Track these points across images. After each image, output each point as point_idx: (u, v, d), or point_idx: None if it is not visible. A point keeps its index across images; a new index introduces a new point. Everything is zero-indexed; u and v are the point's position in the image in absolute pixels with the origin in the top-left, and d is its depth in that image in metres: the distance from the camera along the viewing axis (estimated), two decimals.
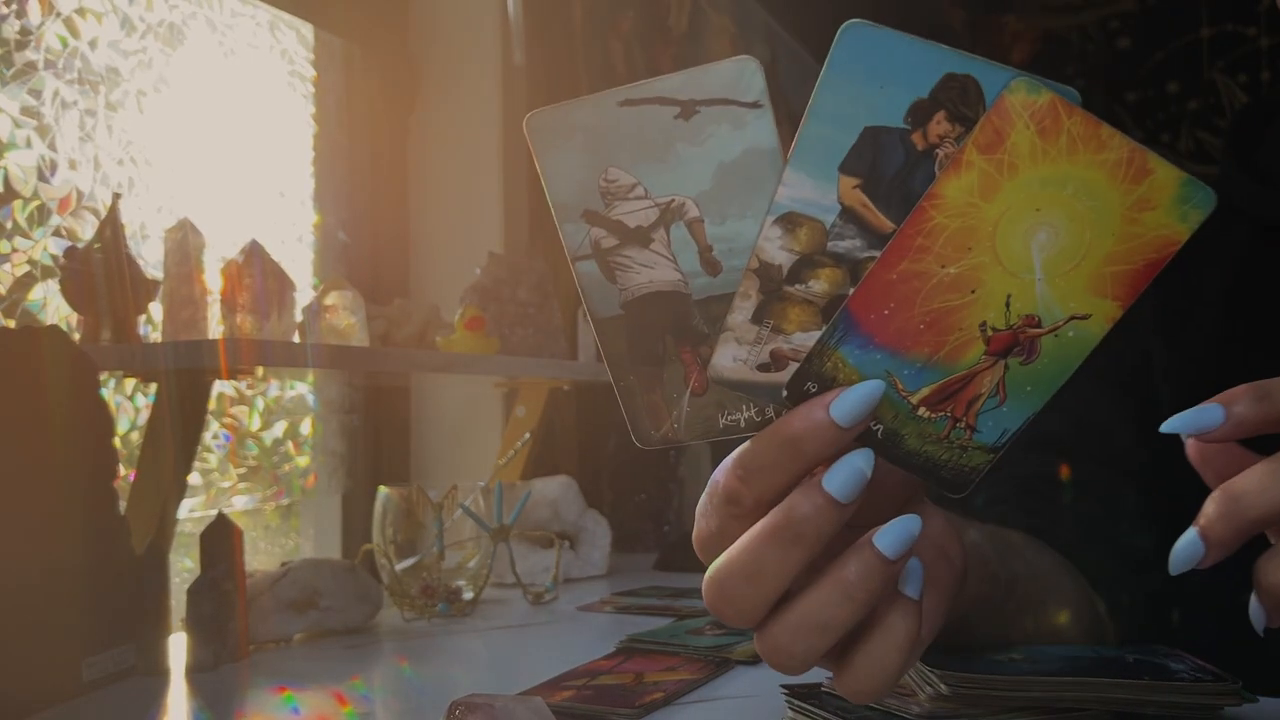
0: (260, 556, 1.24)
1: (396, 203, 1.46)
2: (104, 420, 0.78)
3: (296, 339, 0.96)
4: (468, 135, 1.45)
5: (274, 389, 1.24)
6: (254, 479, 1.20)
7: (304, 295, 1.16)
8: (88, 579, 0.74)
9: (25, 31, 0.95)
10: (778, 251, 0.36)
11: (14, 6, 0.94)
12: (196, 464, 0.95)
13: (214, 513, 0.84)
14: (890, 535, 0.36)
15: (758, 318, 0.36)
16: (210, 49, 1.17)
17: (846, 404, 0.35)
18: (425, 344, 1.15)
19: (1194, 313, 0.69)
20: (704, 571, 0.39)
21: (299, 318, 0.98)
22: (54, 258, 0.95)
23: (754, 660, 0.73)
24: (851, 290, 0.36)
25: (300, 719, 0.67)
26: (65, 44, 0.99)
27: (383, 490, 1.01)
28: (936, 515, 0.41)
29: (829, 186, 0.35)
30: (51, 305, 0.95)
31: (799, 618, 0.36)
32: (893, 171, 0.35)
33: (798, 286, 0.36)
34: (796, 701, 0.52)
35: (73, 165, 0.99)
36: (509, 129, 1.44)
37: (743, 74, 0.36)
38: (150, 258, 1.03)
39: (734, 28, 2.09)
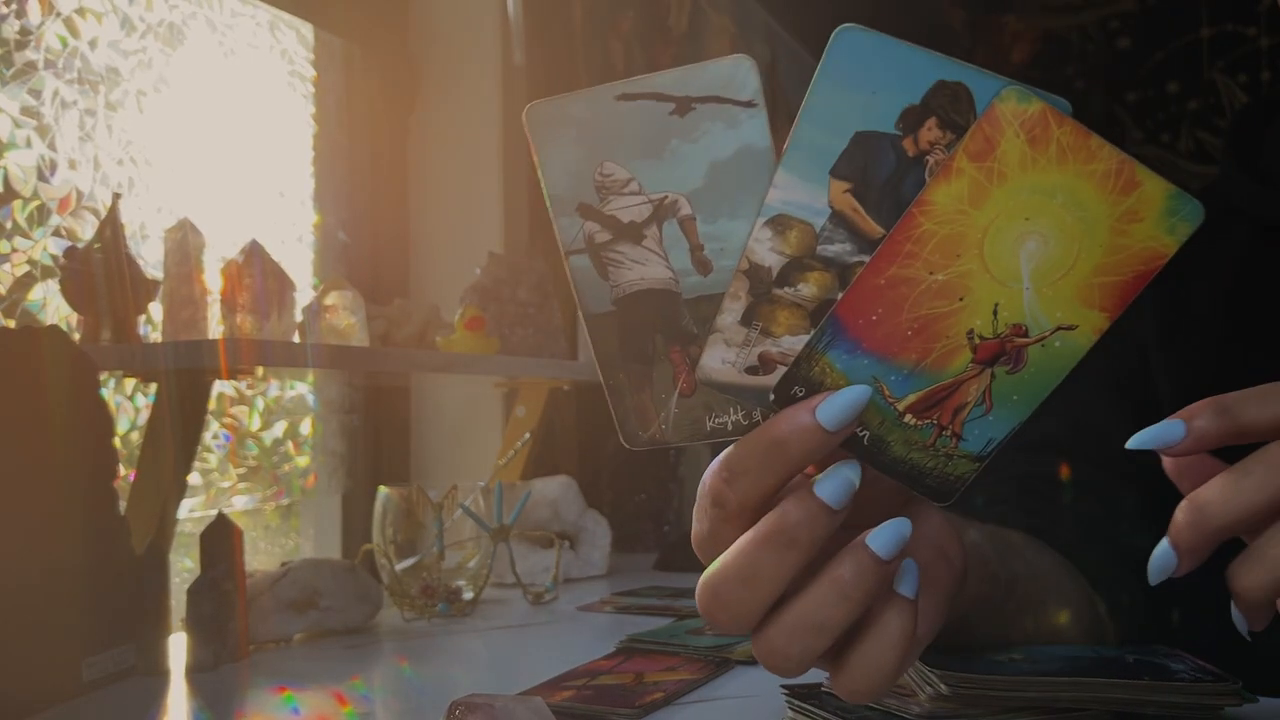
0: (260, 556, 1.24)
1: (396, 203, 1.46)
2: (104, 420, 0.78)
3: (296, 339, 0.96)
4: (468, 135, 1.45)
5: (274, 389, 1.24)
6: (254, 479, 1.20)
7: (304, 295, 1.16)
8: (88, 579, 0.74)
9: (25, 31, 0.95)
10: (768, 254, 0.36)
11: (14, 6, 0.94)
12: (196, 464, 0.95)
13: (214, 513, 0.84)
14: (883, 536, 0.36)
15: (746, 320, 0.36)
16: (210, 49, 1.17)
17: (833, 408, 0.35)
18: (425, 344, 1.15)
19: (1194, 313, 0.69)
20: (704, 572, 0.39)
21: (299, 318, 0.98)
22: (54, 258, 0.95)
23: (754, 660, 0.73)
24: (840, 295, 0.36)
25: (300, 719, 0.67)
26: (65, 44, 0.99)
27: (383, 490, 1.01)
28: (936, 515, 0.42)
29: (820, 190, 0.35)
30: (51, 305, 0.95)
31: (795, 619, 0.36)
32: (883, 177, 0.35)
33: (787, 289, 0.36)
34: (796, 701, 0.52)
35: (73, 165, 0.99)
36: (509, 129, 1.44)
37: (738, 72, 0.36)
38: (150, 258, 1.03)
39: (734, 28, 2.09)
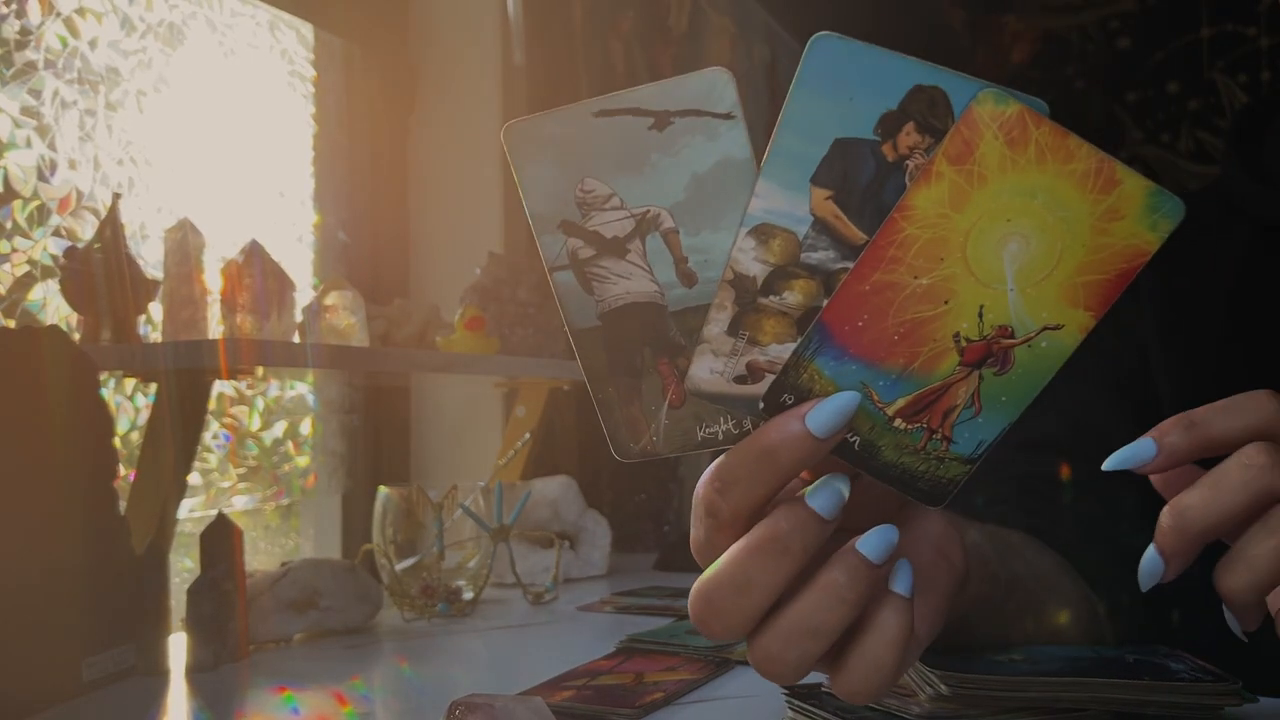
0: (260, 556, 1.24)
1: (396, 203, 1.46)
2: (104, 420, 0.78)
3: (296, 339, 0.96)
4: (468, 135, 1.45)
5: (274, 389, 1.24)
6: (254, 479, 1.20)
7: (304, 295, 1.16)
8: (88, 579, 0.74)
9: (25, 31, 0.95)
10: (752, 263, 0.36)
11: (14, 6, 0.94)
12: (196, 464, 0.95)
13: (214, 513, 0.84)
14: (872, 541, 0.36)
15: (733, 330, 0.37)
16: (210, 49, 1.17)
17: (822, 415, 0.35)
18: (425, 344, 1.15)
19: (1195, 313, 0.69)
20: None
21: (299, 318, 0.98)
22: (54, 258, 0.95)
23: None
24: (826, 302, 0.36)
25: (300, 719, 0.67)
26: (65, 44, 0.99)
27: (383, 490, 1.01)
28: (936, 516, 0.42)
29: (801, 198, 0.35)
30: (51, 305, 0.95)
31: (790, 624, 0.36)
32: (864, 183, 0.35)
33: (772, 298, 0.36)
34: (796, 701, 0.52)
35: (73, 165, 0.99)
36: None
37: (716, 85, 0.36)
38: (150, 258, 1.03)
39: (734, 28, 2.09)
